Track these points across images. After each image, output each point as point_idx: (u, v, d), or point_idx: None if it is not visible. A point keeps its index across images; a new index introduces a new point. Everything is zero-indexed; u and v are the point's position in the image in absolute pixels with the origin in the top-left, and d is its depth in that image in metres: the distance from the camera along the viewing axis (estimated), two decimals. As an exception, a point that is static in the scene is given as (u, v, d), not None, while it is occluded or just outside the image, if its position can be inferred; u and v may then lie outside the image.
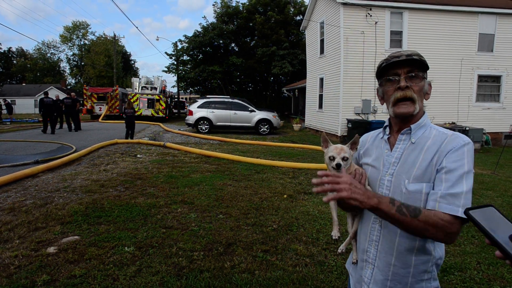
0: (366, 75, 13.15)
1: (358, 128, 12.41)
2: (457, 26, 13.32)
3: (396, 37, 13.24)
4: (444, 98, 13.55)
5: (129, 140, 11.82)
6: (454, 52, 13.42)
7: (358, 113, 13.32)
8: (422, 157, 1.14)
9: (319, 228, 4.13)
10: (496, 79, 14.08)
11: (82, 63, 54.71)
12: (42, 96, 15.05)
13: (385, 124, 1.31)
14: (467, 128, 11.99)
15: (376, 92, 1.34)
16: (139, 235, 3.79)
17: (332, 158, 1.20)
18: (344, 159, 1.19)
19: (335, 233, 1.25)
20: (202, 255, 3.35)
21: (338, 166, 1.17)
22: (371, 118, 13.21)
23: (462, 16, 13.34)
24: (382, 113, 13.41)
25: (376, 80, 1.30)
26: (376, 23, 12.90)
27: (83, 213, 4.41)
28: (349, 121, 12.83)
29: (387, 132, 1.29)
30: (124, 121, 13.01)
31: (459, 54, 13.45)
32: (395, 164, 1.19)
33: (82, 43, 56.88)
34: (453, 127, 12.40)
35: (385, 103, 1.28)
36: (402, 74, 1.17)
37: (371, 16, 12.83)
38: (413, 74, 1.17)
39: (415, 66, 1.17)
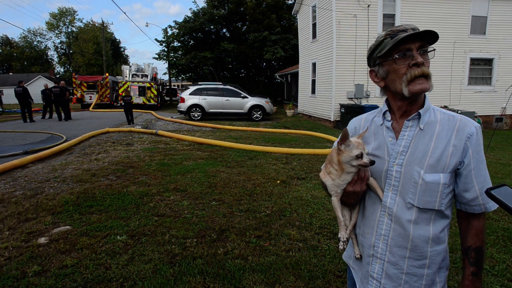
0: (359, 59, 13.07)
1: (351, 112, 12.41)
2: (450, 8, 13.22)
3: (388, 20, 13.11)
4: (436, 81, 13.45)
5: (121, 128, 11.68)
6: (446, 35, 13.33)
7: (351, 98, 13.29)
8: (433, 144, 1.08)
9: (312, 213, 4.14)
10: (488, 62, 14.10)
11: (71, 51, 53.51)
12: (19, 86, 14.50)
13: (383, 109, 1.21)
14: (459, 111, 12.04)
15: (371, 74, 1.21)
16: (132, 223, 3.76)
17: (360, 156, 1.09)
18: (368, 154, 1.13)
19: (342, 235, 1.18)
20: (195, 242, 3.34)
21: (372, 163, 1.09)
22: (364, 102, 13.20)
23: (454, -2, 13.23)
24: (375, 97, 13.40)
25: (372, 61, 1.19)
26: (368, 6, 12.74)
27: (74, 203, 4.36)
28: (342, 106, 12.81)
29: (389, 118, 1.18)
30: (122, 109, 14.19)
31: (452, 37, 13.39)
32: (404, 153, 1.11)
33: (69, 30, 55.51)
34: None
35: (385, 85, 1.17)
36: (414, 49, 1.07)
37: (363, -1, 12.64)
38: (426, 49, 1.09)
39: (426, 40, 1.09)
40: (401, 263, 1.11)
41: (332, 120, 13.57)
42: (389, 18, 13.10)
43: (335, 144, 1.20)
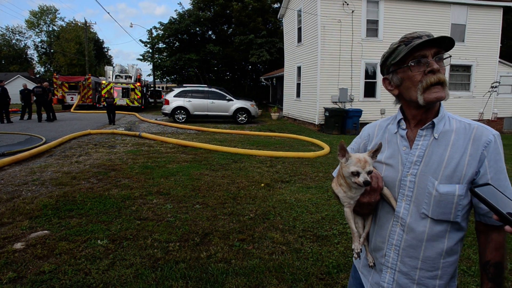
0: (343, 63, 13.27)
1: (335, 116, 12.58)
2: (431, 16, 13.60)
3: (372, 26, 13.38)
4: (417, 87, 13.89)
5: (103, 130, 11.46)
6: (427, 41, 13.71)
7: (335, 102, 13.47)
8: (449, 154, 1.05)
9: (296, 216, 4.17)
10: (467, 68, 14.57)
11: (51, 51, 52.16)
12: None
13: (398, 117, 1.17)
14: (401, 118, 12.37)
15: (384, 82, 1.18)
16: (113, 227, 3.69)
17: (356, 173, 1.05)
18: (369, 172, 1.06)
19: (356, 246, 1.15)
20: (178, 246, 3.30)
21: (366, 184, 1.04)
22: (347, 106, 13.40)
23: (435, 6, 13.63)
24: (359, 101, 13.63)
25: (385, 69, 1.16)
26: (352, 11, 12.97)
27: (54, 207, 4.24)
28: (326, 109, 12.96)
29: (403, 127, 1.15)
30: (105, 110, 14.77)
31: (432, 44, 13.76)
32: (418, 163, 1.08)
33: (50, 29, 54.15)
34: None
35: (399, 93, 1.14)
36: (430, 56, 1.05)
37: (348, 4, 12.87)
38: (441, 56, 1.07)
39: (442, 46, 1.06)
40: (412, 274, 1.09)
41: (316, 123, 13.71)
42: (372, 23, 13.37)
43: None
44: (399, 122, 1.17)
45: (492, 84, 10.60)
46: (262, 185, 5.51)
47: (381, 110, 13.87)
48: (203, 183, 5.48)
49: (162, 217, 4.04)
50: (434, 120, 1.09)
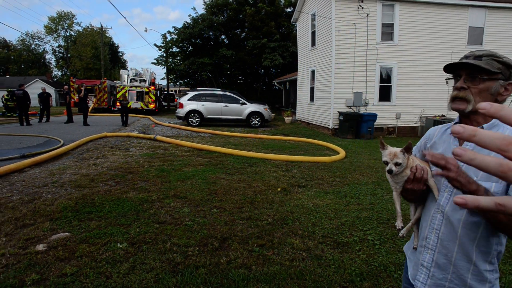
0: (358, 67, 13.14)
1: (349, 120, 12.44)
2: (447, 19, 13.37)
3: (387, 30, 13.22)
4: (434, 91, 13.64)
5: (119, 133, 11.60)
6: (444, 45, 13.48)
7: (350, 106, 13.33)
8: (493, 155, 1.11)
9: (315, 222, 4.10)
10: (485, 72, 14.22)
11: (68, 55, 53.39)
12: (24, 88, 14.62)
13: (455, 120, 1.35)
14: (456, 122, 12.12)
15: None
16: (132, 230, 3.70)
17: (385, 163, 1.25)
18: (396, 164, 1.24)
19: (398, 224, 1.36)
20: (197, 251, 3.28)
21: (389, 172, 1.24)
22: (362, 110, 13.24)
23: (452, 9, 13.38)
24: (373, 105, 13.45)
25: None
26: (367, 15, 12.85)
27: (73, 209, 4.29)
28: (340, 113, 12.83)
29: None
30: (119, 113, 15.40)
31: (449, 47, 13.51)
32: None
33: (68, 34, 55.44)
34: (442, 119, 12.53)
35: None
36: (463, 74, 1.22)
37: (362, 8, 12.76)
38: (474, 76, 1.21)
39: (476, 68, 1.19)
40: (450, 256, 1.21)
41: (330, 127, 13.59)
42: (387, 27, 13.22)
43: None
44: (455, 124, 1.31)
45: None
46: (279, 189, 5.46)
47: (396, 115, 13.66)
48: (219, 187, 5.46)
49: (180, 221, 4.03)
50: (484, 125, 1.22)
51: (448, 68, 1.27)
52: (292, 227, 3.93)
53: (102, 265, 2.94)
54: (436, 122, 12.63)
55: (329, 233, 3.78)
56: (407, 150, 1.28)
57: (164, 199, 4.79)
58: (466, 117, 1.26)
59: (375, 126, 12.83)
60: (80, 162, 7.14)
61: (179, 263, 3.03)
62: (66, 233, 3.58)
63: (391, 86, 13.59)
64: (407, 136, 13.74)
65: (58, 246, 3.27)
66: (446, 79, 1.35)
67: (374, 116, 12.56)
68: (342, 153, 8.51)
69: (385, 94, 13.60)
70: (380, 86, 13.52)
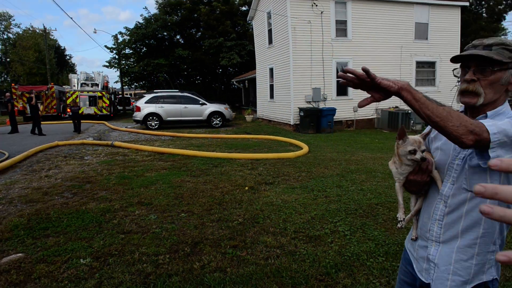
0: (315, 63, 13.45)
1: (310, 116, 12.71)
2: (396, 15, 14.11)
3: (341, 26, 13.67)
4: (386, 84, 14.35)
5: (72, 141, 10.90)
6: (394, 40, 14.22)
7: (309, 101, 13.61)
8: None
9: (285, 218, 4.11)
10: (432, 64, 15.23)
11: (8, 60, 49.30)
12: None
13: (460, 110, 1.27)
14: (409, 111, 12.82)
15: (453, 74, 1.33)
16: (95, 244, 3.46)
17: (413, 152, 1.22)
18: (423, 151, 1.23)
19: (400, 215, 1.34)
20: (168, 258, 3.14)
21: (423, 159, 1.21)
22: (321, 105, 13.58)
23: (399, 6, 14.15)
24: (332, 100, 13.85)
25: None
26: (322, 12, 13.18)
27: (26, 226, 3.92)
28: (301, 109, 13.07)
29: None
30: (70, 120, 14.66)
31: (399, 42, 14.29)
32: (467, 149, 1.17)
33: (5, 37, 51.15)
34: (397, 110, 13.20)
35: None
36: (472, 66, 1.17)
37: (316, 6, 13.07)
38: (484, 68, 1.15)
39: (487, 60, 1.13)
40: (453, 243, 1.20)
41: (292, 123, 13.79)
42: (341, 24, 13.66)
43: None
44: None
45: (458, 79, 11.30)
46: (246, 188, 5.41)
47: (353, 108, 14.18)
48: (185, 190, 5.30)
49: (147, 229, 3.84)
50: (488, 112, 1.19)
51: (455, 59, 1.22)
52: (263, 225, 3.90)
53: (64, 285, 2.71)
54: (391, 113, 13.29)
55: (301, 228, 3.80)
56: (426, 136, 1.29)
57: (128, 208, 4.55)
58: (475, 110, 1.22)
59: (334, 120, 13.22)
60: (30, 174, 6.59)
61: (150, 273, 2.87)
62: (20, 254, 3.26)
63: (347, 80, 14.05)
64: (364, 128, 14.32)
65: (11, 269, 2.97)
66: (453, 70, 1.28)
67: (333, 111, 12.93)
68: (305, 148, 8.66)
69: (342, 89, 14.06)
70: (337, 81, 13.94)
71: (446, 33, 14.93)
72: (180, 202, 4.75)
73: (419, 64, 15.01)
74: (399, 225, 1.35)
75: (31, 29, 48.57)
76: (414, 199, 1.38)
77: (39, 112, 14.61)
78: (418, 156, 1.21)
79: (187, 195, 5.06)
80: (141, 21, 28.25)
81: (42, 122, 20.05)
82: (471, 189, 1.12)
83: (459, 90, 1.22)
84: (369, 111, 14.47)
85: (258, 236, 3.62)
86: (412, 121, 12.78)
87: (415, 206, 1.38)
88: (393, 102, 14.38)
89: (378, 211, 4.25)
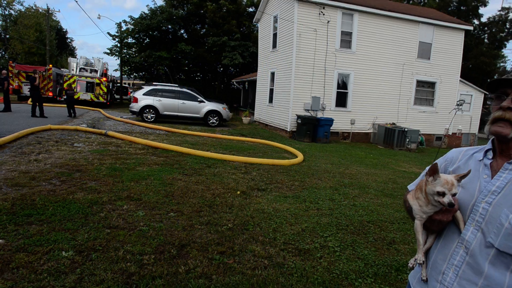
0: (317, 72, 13.47)
1: (307, 124, 12.70)
2: (401, 32, 14.21)
3: (346, 38, 13.72)
4: (386, 99, 14.44)
5: (65, 126, 10.72)
6: (397, 57, 14.31)
7: (308, 110, 13.61)
8: None
9: (276, 227, 4.05)
10: (431, 85, 15.35)
11: (7, 36, 48.58)
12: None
13: (487, 147, 1.21)
14: (406, 129, 12.90)
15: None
16: (79, 236, 3.36)
17: (442, 194, 1.11)
18: (454, 195, 1.12)
19: (420, 257, 1.22)
20: (153, 259, 3.06)
21: (450, 205, 1.10)
22: (319, 115, 13.59)
23: (406, 23, 14.25)
24: (330, 110, 13.87)
25: None
26: (328, 22, 13.21)
27: (9, 211, 3.81)
28: (298, 116, 13.05)
29: (489, 156, 1.19)
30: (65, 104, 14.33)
31: (401, 59, 14.38)
32: (495, 193, 1.09)
33: (6, 13, 50.42)
34: (393, 127, 13.26)
35: None
36: (511, 93, 1.10)
37: (324, 14, 13.10)
38: None
39: None
40: None
41: (288, 130, 13.77)
42: (346, 35, 13.71)
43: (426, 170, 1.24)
44: (486, 151, 1.21)
45: (457, 101, 11.34)
46: (238, 192, 5.35)
47: (351, 120, 14.21)
48: (176, 189, 5.21)
49: (134, 226, 3.75)
50: None
51: (492, 85, 1.13)
52: (253, 233, 3.84)
53: (43, 278, 2.61)
54: (388, 129, 13.34)
55: (290, 239, 3.75)
56: (462, 178, 1.15)
57: (116, 201, 4.45)
58: (505, 143, 1.13)
59: (331, 130, 13.23)
60: (19, 157, 6.44)
61: (134, 274, 2.79)
62: (0, 240, 3.15)
63: (347, 92, 14.11)
64: (360, 141, 14.36)
65: (-11, 255, 2.86)
66: (488, 97, 1.24)
67: (330, 121, 12.94)
68: (300, 156, 8.62)
69: (341, 100, 14.09)
70: (337, 92, 13.99)
71: (448, 55, 15.08)
72: (170, 201, 4.67)
73: (420, 83, 15.12)
74: (410, 265, 1.25)
75: (34, 8, 48.00)
76: (425, 235, 1.27)
77: (41, 93, 14.35)
78: (446, 200, 1.10)
79: (178, 194, 4.98)
80: (147, 12, 28.06)
81: (28, 102, 19.81)
82: (499, 247, 1.03)
83: (491, 118, 1.13)
84: (366, 125, 14.52)
85: (247, 244, 3.55)
86: (408, 139, 12.84)
87: (425, 243, 1.27)
88: (390, 119, 14.46)
89: (369, 229, 4.21)
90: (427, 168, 1.28)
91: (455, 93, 15.47)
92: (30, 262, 2.82)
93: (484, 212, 1.09)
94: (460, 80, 15.79)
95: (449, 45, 15.09)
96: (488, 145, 1.22)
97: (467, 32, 15.97)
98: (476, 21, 34.13)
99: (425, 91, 15.36)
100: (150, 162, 6.89)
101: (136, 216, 4.03)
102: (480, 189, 1.13)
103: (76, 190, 4.72)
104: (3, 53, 50.36)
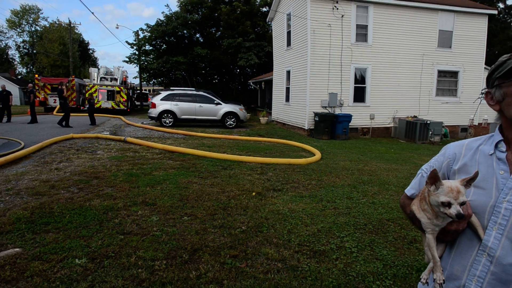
0: (333, 68, 13.20)
1: (325, 121, 12.46)
2: (419, 22, 13.69)
3: (361, 31, 13.37)
4: (407, 92, 13.96)
5: (86, 134, 11.03)
6: (416, 47, 13.81)
7: (325, 107, 13.36)
8: None
9: (290, 229, 3.94)
10: (454, 74, 14.72)
11: (34, 51, 50.82)
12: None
13: (496, 138, 1.07)
14: (428, 122, 12.41)
15: (486, 97, 1.09)
16: (93, 243, 3.39)
17: (447, 204, 0.98)
18: (462, 204, 0.98)
19: (439, 277, 1.04)
20: (165, 265, 3.03)
21: (459, 217, 0.96)
22: (337, 111, 13.31)
23: (423, 12, 13.72)
24: (348, 106, 13.56)
25: (490, 82, 1.08)
26: (342, 16, 12.92)
27: (28, 220, 3.90)
28: (316, 114, 12.84)
29: (503, 149, 1.05)
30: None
31: (421, 50, 13.87)
32: None
33: (33, 29, 52.75)
34: (415, 120, 12.80)
35: (500, 109, 1.06)
36: None
37: (337, 9, 12.82)
38: None
39: None
40: None
41: (306, 128, 13.58)
42: (362, 28, 13.36)
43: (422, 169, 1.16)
44: (497, 143, 1.06)
45: (482, 90, 10.82)
46: (254, 193, 5.27)
47: (370, 115, 13.84)
48: (191, 192, 5.20)
49: (148, 231, 3.75)
50: None
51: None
52: (267, 235, 3.75)
53: (55, 286, 2.63)
54: (409, 123, 12.90)
55: (306, 240, 3.63)
56: (470, 182, 1.01)
57: (131, 207, 4.48)
58: None
59: (350, 126, 12.93)
60: (41, 166, 6.65)
61: (144, 280, 2.77)
62: (17, 249, 3.22)
63: (365, 87, 13.75)
64: (381, 136, 13.96)
65: (6, 264, 2.92)
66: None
67: (349, 117, 12.65)
68: (317, 154, 8.45)
69: (359, 95, 13.75)
70: (355, 87, 13.66)
71: (471, 42, 14.39)
72: (184, 205, 4.65)
73: (441, 73, 14.52)
74: (424, 280, 1.10)
75: (57, 22, 49.97)
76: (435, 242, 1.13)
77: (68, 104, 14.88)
78: (453, 211, 0.96)
79: (192, 198, 4.96)
80: (162, 18, 28.55)
81: (60, 114, 20.54)
82: None
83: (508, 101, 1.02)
84: (387, 119, 14.09)
85: (260, 246, 3.47)
86: (430, 132, 12.35)
87: (436, 251, 1.12)
88: (411, 111, 13.98)
89: (388, 228, 4.03)
90: (424, 167, 1.18)
91: (480, 82, 14.73)
92: (44, 271, 2.85)
93: (507, 213, 0.97)
94: (485, 68, 15.03)
95: (472, 31, 14.40)
96: (497, 136, 1.07)
97: (491, 16, 15.20)
98: (501, 5, 32.52)
99: (448, 81, 14.74)
100: (167, 166, 6.94)
101: (150, 221, 4.03)
102: (498, 188, 1.00)
103: (93, 197, 4.79)
104: (31, 67, 52.71)
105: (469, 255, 1.03)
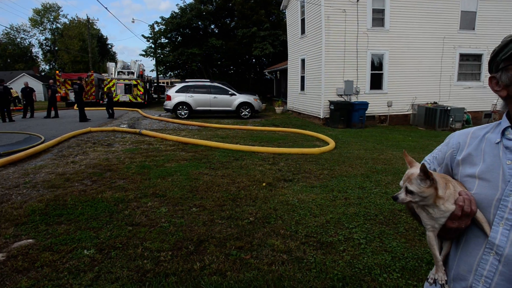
0: (348, 55, 12.86)
1: (340, 110, 12.22)
2: (440, 3, 13.07)
3: (378, 16, 12.91)
4: (426, 78, 13.46)
5: (103, 128, 11.26)
6: (436, 30, 13.23)
7: (341, 95, 13.08)
8: None
9: (298, 219, 3.89)
10: (477, 57, 14.04)
11: (56, 48, 52.20)
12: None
13: (504, 125, 0.98)
14: (448, 108, 11.95)
15: (490, 82, 1.01)
16: (102, 235, 3.45)
17: (410, 192, 0.98)
18: (407, 191, 0.97)
19: (441, 277, 1.01)
20: (170, 256, 3.05)
21: (394, 199, 1.00)
22: (353, 99, 13.01)
23: (444, -8, 13.09)
24: (365, 94, 13.22)
25: (494, 66, 1.00)
26: (357, 1, 12.51)
27: (42, 212, 4.02)
28: (331, 102, 12.60)
29: (510, 136, 0.96)
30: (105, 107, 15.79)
31: (441, 33, 13.27)
32: None
33: (54, 27, 54.07)
34: (435, 107, 12.35)
35: (508, 95, 0.97)
36: None
37: (352, -7, 12.41)
38: None
39: None
40: None
41: (321, 117, 13.36)
42: (378, 13, 12.90)
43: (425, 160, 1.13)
44: (504, 130, 0.97)
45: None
46: (264, 184, 5.23)
47: (388, 103, 13.46)
48: (201, 183, 5.22)
49: (156, 222, 3.79)
50: None
51: None
52: (274, 226, 3.72)
53: (63, 276, 2.70)
54: (428, 109, 12.46)
55: (313, 232, 3.57)
56: (425, 176, 0.95)
57: (142, 198, 4.54)
58: None
59: (366, 114, 12.63)
60: (59, 159, 6.84)
61: (148, 271, 2.80)
62: (30, 240, 3.33)
63: (382, 73, 13.34)
64: (399, 124, 13.58)
65: (19, 255, 3.02)
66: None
67: (365, 105, 12.34)
68: (331, 144, 8.30)
69: (376, 82, 13.36)
70: (372, 73, 13.28)
71: (496, 23, 13.62)
72: (194, 196, 4.68)
73: (463, 57, 13.87)
74: (431, 280, 1.04)
75: (76, 19, 51.01)
76: (439, 241, 1.05)
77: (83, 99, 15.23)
78: (396, 194, 0.95)
79: (202, 189, 4.98)
80: (177, 11, 28.59)
81: (74, 108, 21.08)
82: None
83: None
84: (405, 106, 13.67)
85: (267, 238, 3.44)
86: (451, 119, 11.89)
87: (440, 250, 1.06)
88: (431, 97, 13.49)
89: (400, 219, 3.91)
90: (427, 158, 1.17)
91: (506, 64, 13.99)
92: (53, 261, 2.93)
93: None
94: (511, 50, 14.25)
95: (498, 11, 13.61)
96: (504, 122, 0.97)
97: (518, -5, 14.32)
98: (530, -18, 30.64)
99: (470, 64, 14.07)
100: (179, 158, 6.99)
101: (159, 212, 4.08)
102: (505, 179, 0.91)
103: (105, 189, 4.88)
104: (53, 63, 54.25)
105: (476, 253, 0.95)
